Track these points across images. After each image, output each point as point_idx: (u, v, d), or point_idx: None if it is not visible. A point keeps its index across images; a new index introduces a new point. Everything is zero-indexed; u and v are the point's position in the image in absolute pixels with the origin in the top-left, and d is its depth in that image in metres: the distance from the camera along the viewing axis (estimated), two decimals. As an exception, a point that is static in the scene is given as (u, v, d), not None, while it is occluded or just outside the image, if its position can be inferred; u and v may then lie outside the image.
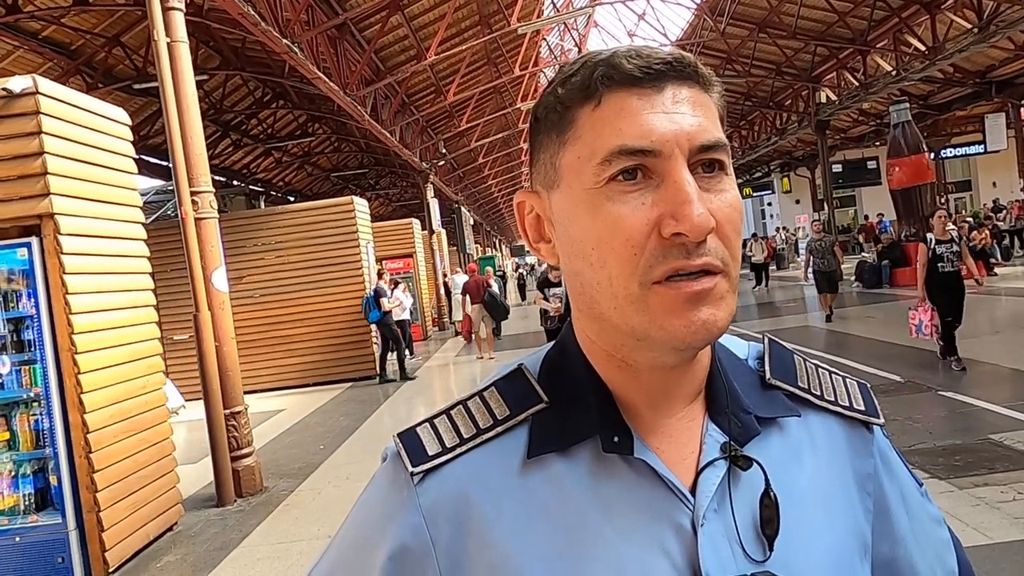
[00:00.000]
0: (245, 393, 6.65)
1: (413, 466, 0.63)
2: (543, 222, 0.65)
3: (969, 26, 14.59)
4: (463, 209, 27.97)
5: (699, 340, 0.56)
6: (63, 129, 4.73)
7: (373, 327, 12.22)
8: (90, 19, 11.47)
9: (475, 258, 27.12)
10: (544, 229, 0.65)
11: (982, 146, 23.18)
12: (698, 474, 0.61)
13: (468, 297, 13.52)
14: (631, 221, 0.56)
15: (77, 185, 4.82)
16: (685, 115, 0.57)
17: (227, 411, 6.21)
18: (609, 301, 0.58)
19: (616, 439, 0.61)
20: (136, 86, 12.77)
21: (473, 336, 13.98)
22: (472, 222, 33.09)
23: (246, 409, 6.47)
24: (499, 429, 0.64)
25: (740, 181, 38.99)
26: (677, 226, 0.54)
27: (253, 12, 8.44)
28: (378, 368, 12.36)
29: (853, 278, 18.70)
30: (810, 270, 13.18)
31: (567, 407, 0.63)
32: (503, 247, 56.48)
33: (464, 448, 0.63)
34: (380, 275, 12.90)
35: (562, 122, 0.60)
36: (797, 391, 0.69)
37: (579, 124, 0.59)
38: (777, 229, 33.42)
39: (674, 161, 0.55)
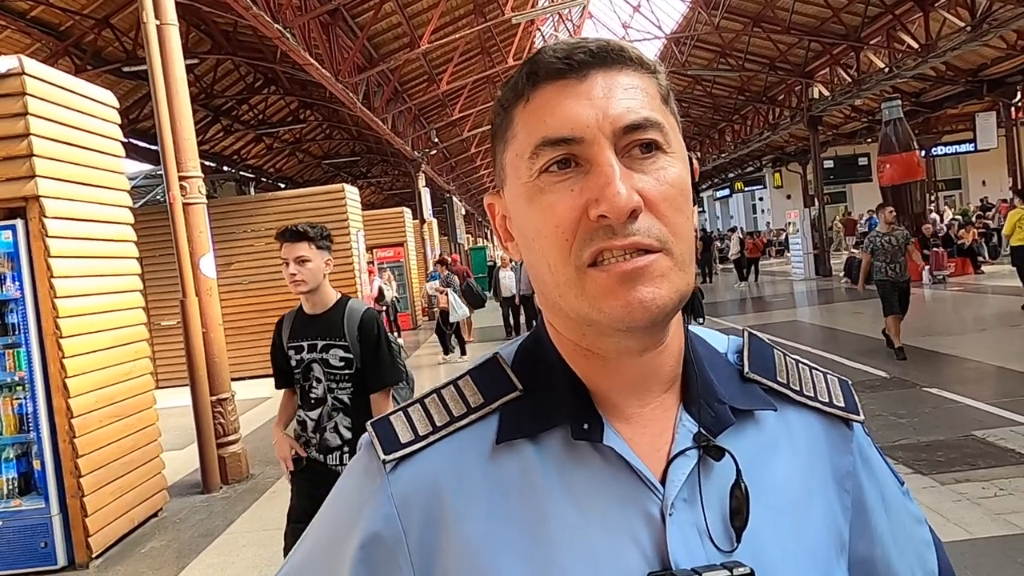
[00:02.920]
0: (232, 380, 6.63)
1: (385, 454, 0.63)
2: (508, 221, 0.66)
3: (962, 24, 14.60)
4: (454, 199, 27.91)
5: (639, 319, 0.56)
6: (50, 111, 4.68)
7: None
8: None
9: (466, 248, 27.10)
10: (510, 228, 0.66)
11: (972, 144, 23.26)
12: (669, 463, 0.61)
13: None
14: (560, 208, 0.57)
15: (63, 168, 4.78)
16: (610, 99, 0.57)
17: (213, 397, 6.19)
18: (553, 289, 0.60)
19: (586, 426, 0.61)
20: (126, 69, 12.61)
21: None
22: (463, 212, 33.00)
23: (233, 396, 6.45)
24: (472, 417, 0.64)
25: (732, 175, 39.00)
26: (599, 207, 0.55)
27: (245, -4, 8.35)
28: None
29: (842, 274, 18.81)
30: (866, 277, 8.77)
31: (539, 395, 0.64)
32: (494, 238, 56.41)
33: (436, 436, 0.63)
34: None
35: (503, 123, 0.63)
36: (775, 386, 0.69)
37: (514, 123, 0.62)
38: (735, 228, 33.27)
39: (597, 146, 0.57)
